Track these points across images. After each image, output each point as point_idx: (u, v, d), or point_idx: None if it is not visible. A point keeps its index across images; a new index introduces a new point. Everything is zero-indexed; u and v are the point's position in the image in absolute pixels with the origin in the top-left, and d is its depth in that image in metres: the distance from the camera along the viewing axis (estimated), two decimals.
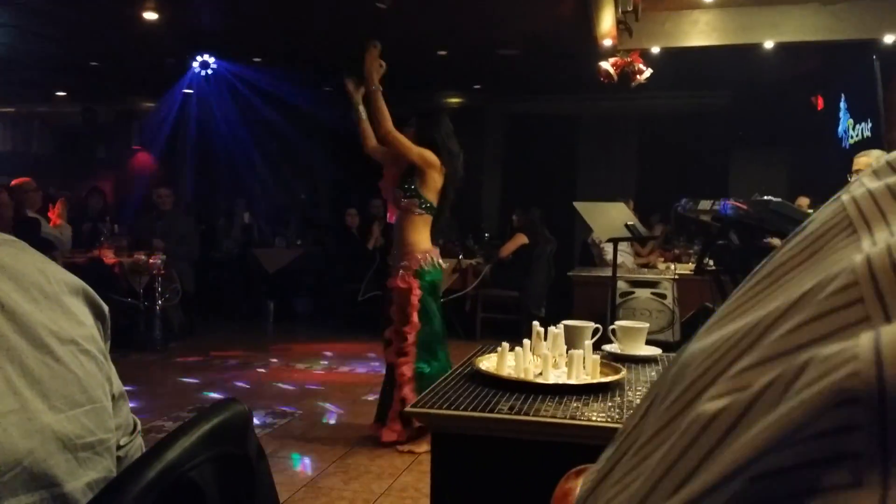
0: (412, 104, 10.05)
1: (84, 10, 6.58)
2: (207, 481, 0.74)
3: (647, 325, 2.19)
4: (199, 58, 8.56)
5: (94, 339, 0.86)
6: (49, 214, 6.69)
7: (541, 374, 1.78)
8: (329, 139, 10.92)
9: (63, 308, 0.83)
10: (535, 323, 2.00)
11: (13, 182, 6.37)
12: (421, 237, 4.06)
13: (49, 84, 10.22)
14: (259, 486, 0.82)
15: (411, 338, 3.98)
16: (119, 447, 0.89)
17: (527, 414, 1.55)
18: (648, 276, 5.87)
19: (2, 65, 8.76)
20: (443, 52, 7.81)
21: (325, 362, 6.35)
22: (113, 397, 0.88)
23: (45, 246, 5.84)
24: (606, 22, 5.87)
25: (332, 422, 4.63)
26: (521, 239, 7.34)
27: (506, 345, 1.90)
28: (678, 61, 6.73)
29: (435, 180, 4.09)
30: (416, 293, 3.99)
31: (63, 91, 10.75)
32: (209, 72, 8.82)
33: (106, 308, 0.92)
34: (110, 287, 6.49)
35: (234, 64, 8.59)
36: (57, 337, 0.79)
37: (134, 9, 6.53)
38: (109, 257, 6.62)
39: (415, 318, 3.98)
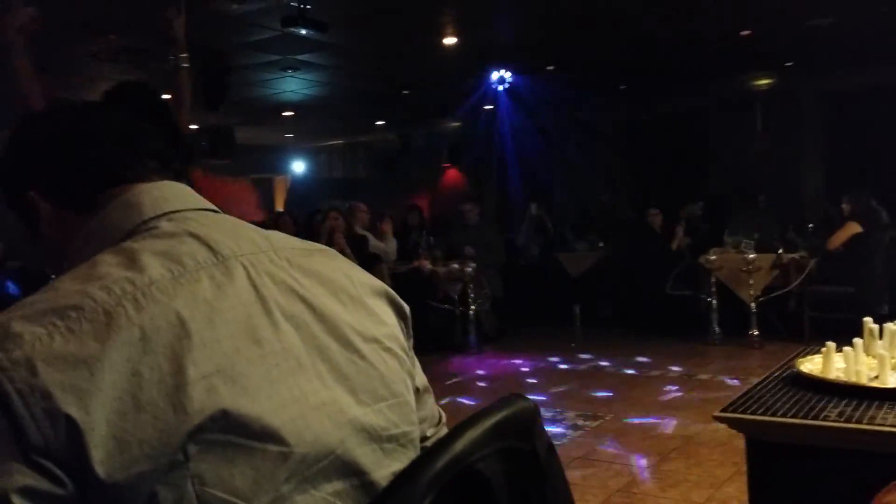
0: (718, 91, 9.54)
1: (391, 45, 7.30)
2: (495, 473, 0.75)
3: None
4: (495, 73, 8.99)
5: (395, 337, 0.92)
6: (382, 229, 7.54)
7: (877, 377, 1.54)
8: (626, 138, 10.77)
9: (367, 309, 0.90)
10: (868, 319, 1.74)
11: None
12: None
13: (370, 116, 11.50)
14: (550, 482, 0.82)
15: None
16: (425, 438, 0.94)
17: (860, 422, 1.35)
18: None
19: (335, 103, 10.07)
20: (746, 32, 7.27)
21: (635, 365, 6.23)
22: (416, 391, 0.93)
23: (372, 259, 6.55)
24: None
25: (645, 427, 4.51)
26: (853, 228, 6.49)
27: (832, 345, 1.68)
28: None
29: None
30: None
31: (381, 121, 12.01)
32: (506, 86, 9.23)
33: (407, 308, 0.98)
34: (429, 294, 7.08)
35: (529, 75, 8.87)
36: (361, 336, 0.85)
37: (435, 37, 7.08)
38: (427, 267, 7.22)
39: None
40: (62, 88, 7.30)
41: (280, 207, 13.38)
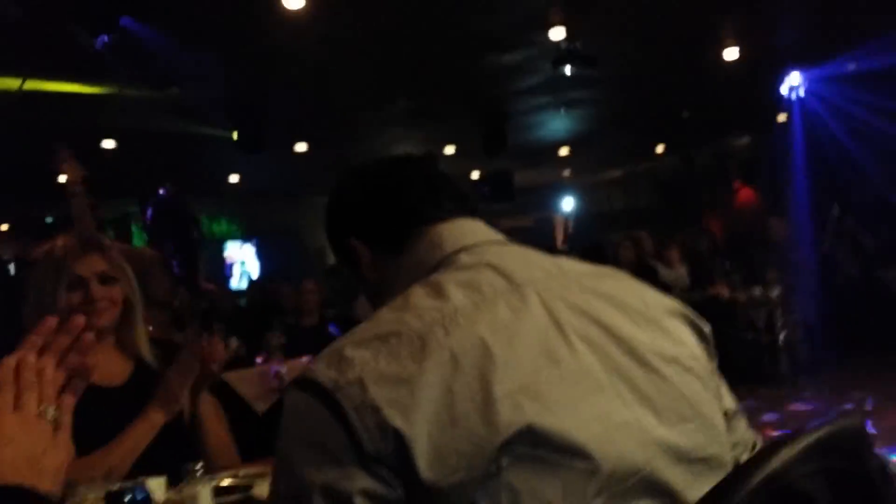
0: None
1: (665, 67, 7.07)
2: (820, 492, 0.69)
3: None
4: (785, 80, 8.31)
5: (696, 358, 0.89)
6: (669, 256, 7.28)
7: None
8: None
9: (663, 329, 0.89)
10: None
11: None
12: None
13: (648, 143, 11.22)
14: None
15: None
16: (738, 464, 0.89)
17: None
18: None
19: (610, 134, 9.94)
20: None
21: None
22: (725, 414, 0.90)
23: (663, 289, 6.33)
24: None
25: None
26: None
27: None
28: None
29: None
30: None
31: (661, 145, 11.65)
32: (800, 93, 8.46)
33: (707, 328, 0.95)
34: (730, 322, 6.61)
35: (824, 78, 8.05)
36: (660, 356, 0.84)
37: (712, 52, 6.71)
38: (725, 293, 6.79)
39: None
40: (355, 155, 8.11)
41: (560, 245, 13.51)
